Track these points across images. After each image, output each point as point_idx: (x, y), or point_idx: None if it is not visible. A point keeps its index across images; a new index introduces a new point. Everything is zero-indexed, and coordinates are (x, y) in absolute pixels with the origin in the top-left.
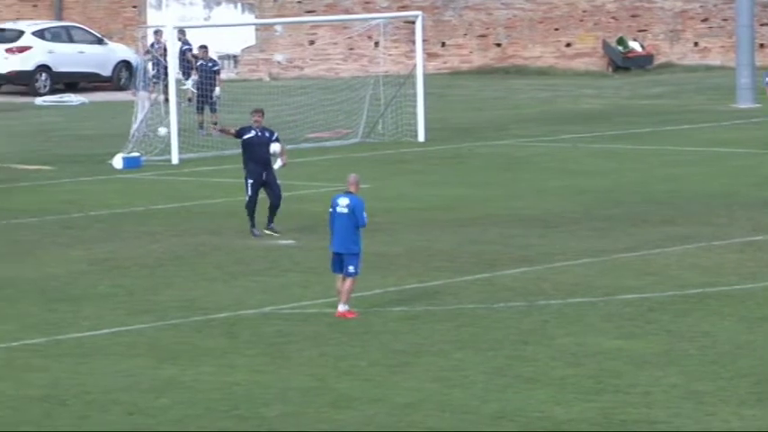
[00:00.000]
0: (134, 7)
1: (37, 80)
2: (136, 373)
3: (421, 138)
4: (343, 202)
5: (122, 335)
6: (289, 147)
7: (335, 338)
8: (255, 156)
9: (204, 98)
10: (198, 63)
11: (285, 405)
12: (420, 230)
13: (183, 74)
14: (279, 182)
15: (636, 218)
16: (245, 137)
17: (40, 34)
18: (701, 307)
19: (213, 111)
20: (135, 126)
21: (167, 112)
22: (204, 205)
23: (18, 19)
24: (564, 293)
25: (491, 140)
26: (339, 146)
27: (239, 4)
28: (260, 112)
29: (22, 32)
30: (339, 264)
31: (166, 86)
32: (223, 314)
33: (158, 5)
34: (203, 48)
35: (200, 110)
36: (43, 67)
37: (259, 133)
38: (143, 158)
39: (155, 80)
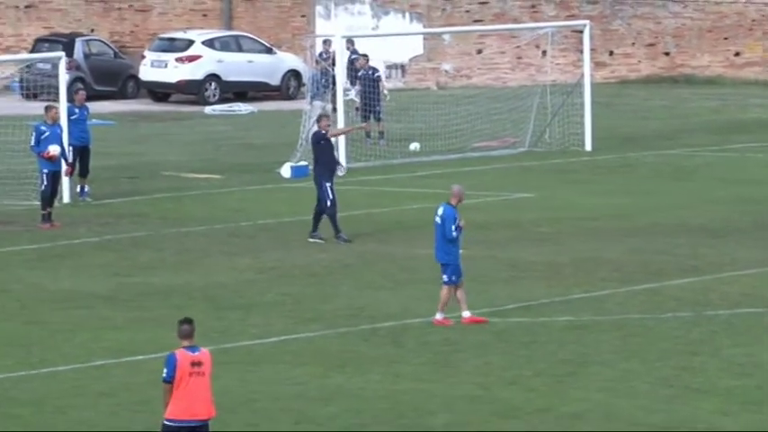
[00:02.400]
0: (303, 16)
1: (206, 89)
2: (303, 381)
3: (588, 147)
4: (439, 211)
5: (290, 343)
6: (455, 156)
7: (501, 347)
8: (331, 161)
9: (369, 107)
10: (359, 72)
11: (451, 414)
12: (587, 240)
13: (352, 83)
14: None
15: None
16: (323, 141)
17: (209, 44)
18: None
19: (378, 119)
20: (304, 135)
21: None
22: (371, 214)
23: (188, 29)
24: (732, 304)
25: (658, 150)
26: (506, 155)
27: (407, 14)
28: (327, 117)
29: (191, 42)
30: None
31: (334, 96)
32: (390, 323)
33: (327, 15)
34: (364, 56)
35: (365, 119)
36: (212, 77)
37: (331, 140)
38: (311, 167)
39: (323, 89)
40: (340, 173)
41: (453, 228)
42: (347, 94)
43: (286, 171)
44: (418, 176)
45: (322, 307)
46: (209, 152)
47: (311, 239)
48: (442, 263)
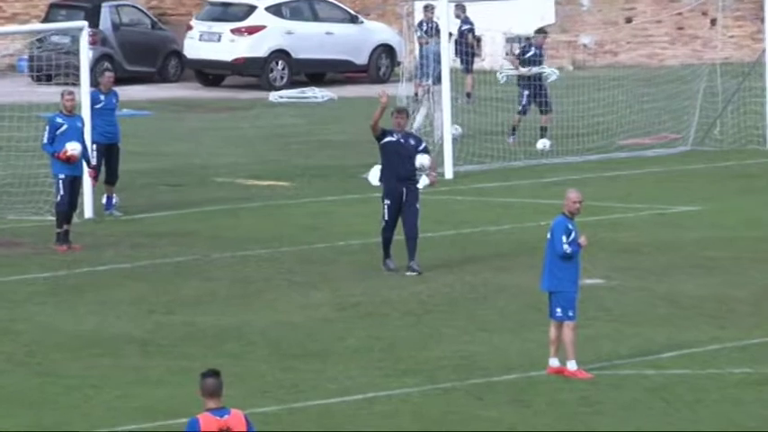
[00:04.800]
0: None
1: (272, 70)
2: None
3: None
4: (551, 224)
5: (380, 401)
6: (595, 157)
7: (657, 409)
8: (395, 168)
9: (536, 95)
10: (528, 53)
11: None
12: None
13: (462, 61)
14: (418, 205)
15: None
16: (386, 139)
17: (275, 10)
18: None
19: (545, 111)
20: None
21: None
22: (487, 233)
23: None
24: None
25: None
26: (663, 155)
27: None
28: (404, 112)
29: (253, 8)
30: (551, 305)
31: (439, 77)
32: (510, 376)
33: None
34: (543, 33)
35: (522, 112)
36: (280, 53)
37: (402, 139)
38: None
39: (423, 70)
40: (455, 132)
41: (565, 239)
42: (545, 74)
43: (375, 176)
44: (547, 183)
45: (421, 355)
46: (274, 152)
47: (408, 274)
48: (549, 291)
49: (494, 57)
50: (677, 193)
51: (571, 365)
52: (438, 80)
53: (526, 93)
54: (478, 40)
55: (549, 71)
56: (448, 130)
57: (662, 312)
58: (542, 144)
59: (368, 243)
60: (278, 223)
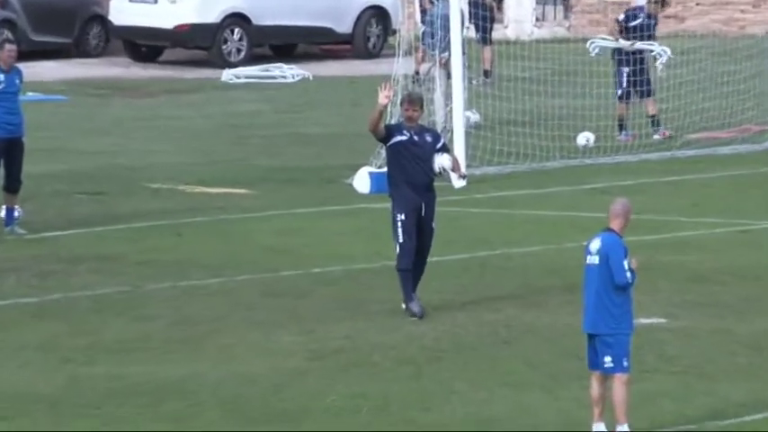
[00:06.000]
0: None
1: (226, 41)
2: None
3: None
4: (594, 246)
5: None
6: (657, 155)
7: None
8: (410, 174)
9: (636, 80)
10: (634, 21)
11: None
12: None
13: (477, 29)
14: (434, 224)
15: None
16: (394, 140)
17: None
18: None
19: (646, 94)
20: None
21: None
22: (510, 257)
23: None
24: None
25: None
26: (744, 153)
27: None
28: (416, 101)
29: None
30: (594, 352)
31: (447, 53)
32: None
33: None
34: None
35: (624, 97)
36: (236, 19)
37: (416, 136)
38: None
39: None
40: (472, 117)
41: (626, 265)
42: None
43: (362, 181)
44: (590, 191)
45: (423, 418)
46: (229, 149)
47: (410, 313)
48: (595, 333)
49: (519, 24)
50: (763, 203)
51: (621, 429)
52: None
53: (626, 71)
54: (499, 1)
55: (659, 50)
56: (459, 119)
57: (742, 362)
58: (584, 138)
59: (352, 270)
60: (234, 244)
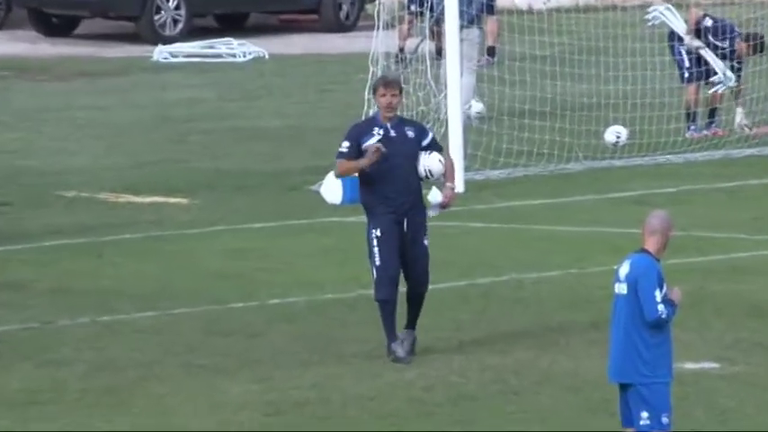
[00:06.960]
0: None
1: (159, 9)
2: None
3: None
4: (623, 272)
5: None
6: (705, 155)
7: None
8: (389, 180)
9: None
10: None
11: None
12: None
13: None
14: (426, 241)
15: None
16: (366, 140)
17: None
18: None
19: (734, 80)
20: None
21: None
22: (520, 284)
23: None
24: None
25: None
26: None
27: None
28: (393, 84)
29: None
30: (627, 406)
31: (438, 22)
32: None
33: None
34: None
35: (693, 78)
36: None
37: (392, 131)
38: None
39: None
40: (474, 107)
41: (659, 296)
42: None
43: (332, 189)
44: (620, 200)
45: None
46: (163, 148)
47: (393, 356)
48: (625, 382)
49: None
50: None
51: None
52: (438, 24)
53: (683, 49)
54: None
55: (723, 77)
56: (456, 110)
57: None
58: (614, 134)
59: (319, 301)
60: (169, 268)
